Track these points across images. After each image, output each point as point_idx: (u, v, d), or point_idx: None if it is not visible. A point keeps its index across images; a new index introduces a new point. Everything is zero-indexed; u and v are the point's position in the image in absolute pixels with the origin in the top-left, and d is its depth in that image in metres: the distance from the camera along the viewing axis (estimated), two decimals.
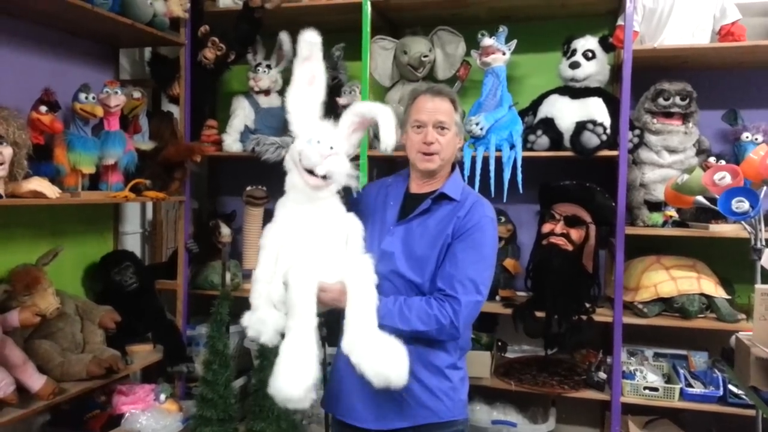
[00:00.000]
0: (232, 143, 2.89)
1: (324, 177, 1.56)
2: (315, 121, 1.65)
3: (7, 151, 1.87)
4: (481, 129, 2.52)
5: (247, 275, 3.00)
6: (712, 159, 2.57)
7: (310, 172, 1.57)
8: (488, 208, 1.69)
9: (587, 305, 2.50)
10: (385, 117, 1.63)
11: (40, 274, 2.10)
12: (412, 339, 1.57)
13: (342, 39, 2.79)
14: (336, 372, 1.76)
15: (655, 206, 2.60)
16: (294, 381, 1.44)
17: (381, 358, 1.46)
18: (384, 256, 1.65)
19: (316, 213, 1.63)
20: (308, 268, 1.54)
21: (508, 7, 2.72)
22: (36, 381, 1.99)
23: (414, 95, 1.76)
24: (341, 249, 1.64)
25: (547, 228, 2.52)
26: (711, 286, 2.47)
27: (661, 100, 2.56)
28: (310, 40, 1.64)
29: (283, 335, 1.55)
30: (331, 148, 1.59)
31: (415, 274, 1.63)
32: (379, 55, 2.82)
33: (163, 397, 2.52)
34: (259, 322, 1.59)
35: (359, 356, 1.48)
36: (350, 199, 1.71)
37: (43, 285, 2.07)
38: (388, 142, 1.63)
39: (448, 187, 1.70)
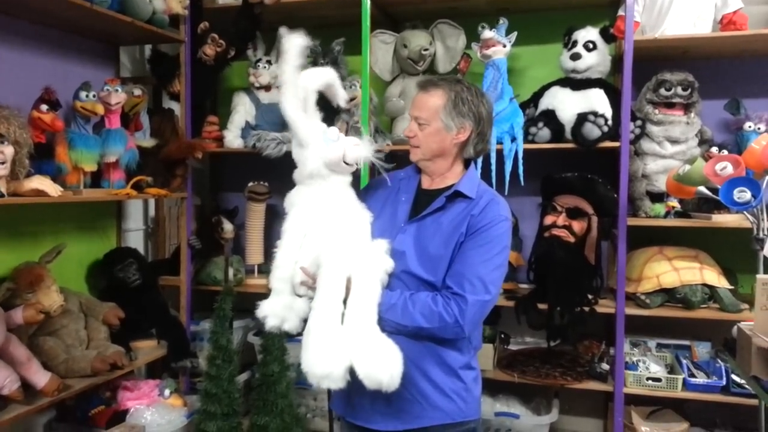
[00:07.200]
0: (233, 139, 2.89)
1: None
2: (307, 119, 1.62)
3: (9, 150, 1.88)
4: None
5: (250, 270, 3.02)
6: (714, 149, 2.56)
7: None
8: (503, 207, 1.64)
9: (590, 297, 2.50)
10: (332, 77, 1.65)
11: (44, 271, 2.11)
12: (424, 337, 1.56)
13: (342, 33, 2.78)
14: None
15: (657, 197, 2.60)
16: (331, 358, 1.40)
17: (374, 360, 1.42)
18: (395, 255, 1.60)
19: (338, 197, 1.62)
20: (343, 251, 1.52)
21: None
22: (41, 377, 2.00)
23: None
24: (359, 233, 1.61)
25: (549, 220, 2.52)
26: (714, 277, 2.46)
27: (662, 91, 2.55)
28: (302, 44, 1.58)
29: (305, 322, 1.54)
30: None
31: (428, 273, 1.59)
32: (379, 49, 2.81)
33: (167, 392, 2.53)
34: (285, 308, 1.58)
35: (353, 356, 1.44)
36: (362, 189, 1.69)
37: (46, 282, 2.09)
38: (340, 95, 1.68)
39: (463, 184, 1.65)
